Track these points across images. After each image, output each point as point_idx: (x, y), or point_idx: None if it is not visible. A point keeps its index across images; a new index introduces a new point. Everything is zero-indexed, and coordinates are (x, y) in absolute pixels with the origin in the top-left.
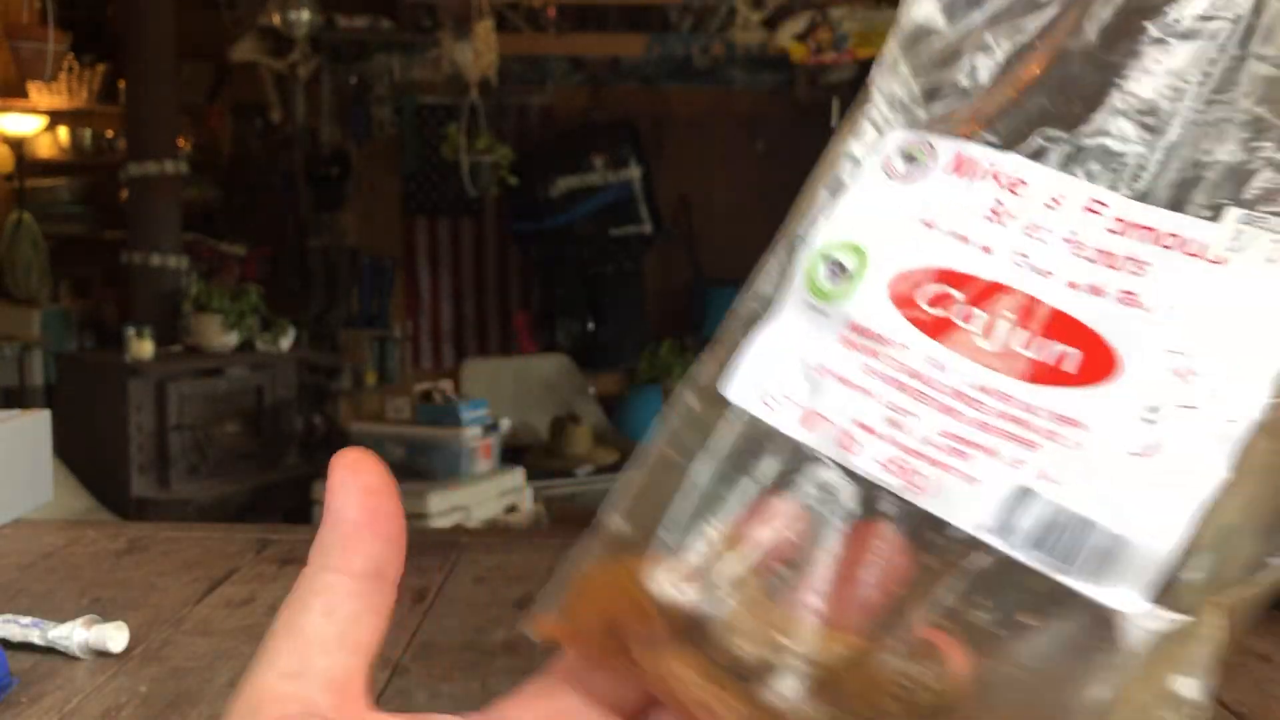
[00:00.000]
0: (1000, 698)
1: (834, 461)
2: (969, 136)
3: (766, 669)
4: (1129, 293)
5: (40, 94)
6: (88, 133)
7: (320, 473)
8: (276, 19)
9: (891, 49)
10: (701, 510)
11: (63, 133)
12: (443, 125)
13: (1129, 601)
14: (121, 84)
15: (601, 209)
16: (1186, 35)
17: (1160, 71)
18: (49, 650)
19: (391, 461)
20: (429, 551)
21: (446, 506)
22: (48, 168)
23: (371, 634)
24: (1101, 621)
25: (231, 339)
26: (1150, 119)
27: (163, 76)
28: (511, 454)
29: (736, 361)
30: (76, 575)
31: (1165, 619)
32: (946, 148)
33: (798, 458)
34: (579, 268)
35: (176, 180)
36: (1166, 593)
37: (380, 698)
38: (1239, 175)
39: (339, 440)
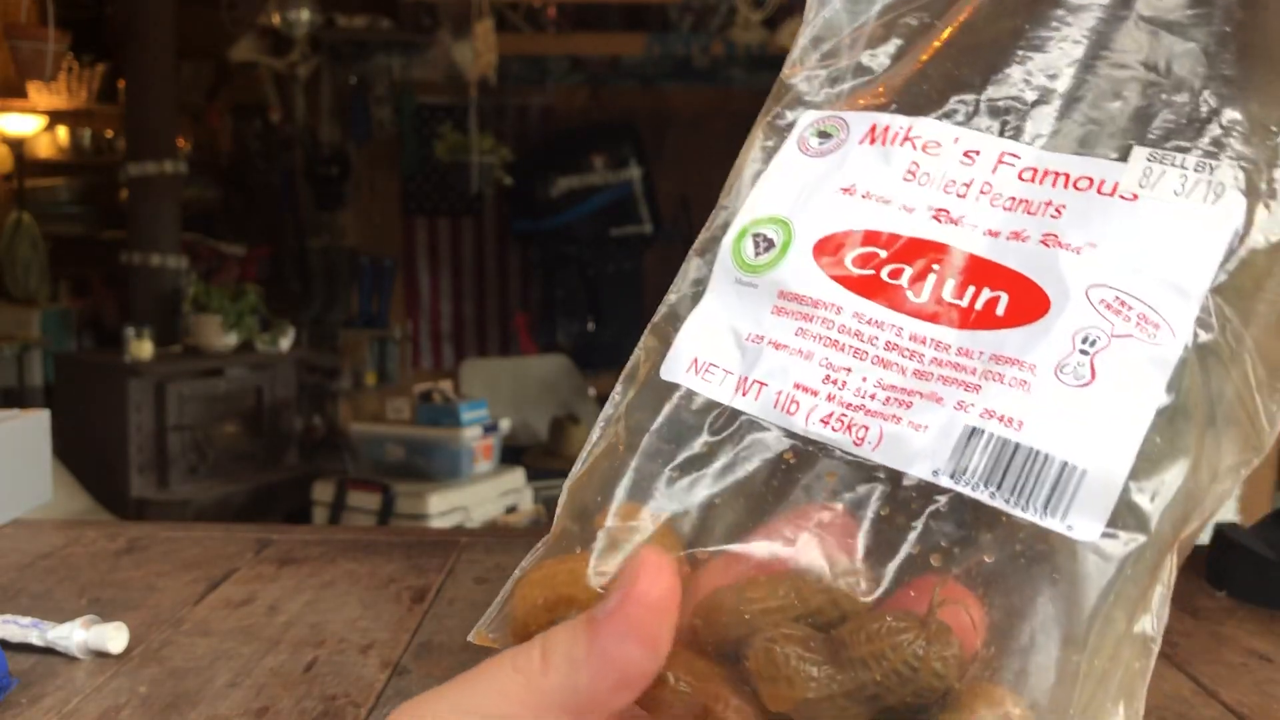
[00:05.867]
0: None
1: (776, 425)
2: (881, 108)
3: (745, 640)
4: (1050, 234)
5: (40, 94)
6: (87, 133)
7: (320, 473)
8: (276, 19)
9: (802, 43)
10: (644, 496)
11: (62, 133)
12: (442, 125)
13: (1087, 529)
14: (121, 84)
15: (601, 209)
16: (1078, 4)
17: (1056, 34)
18: (48, 651)
19: (391, 462)
20: (429, 551)
21: (446, 506)
22: (47, 168)
23: None
24: (1063, 557)
25: (231, 339)
26: (1050, 77)
27: (162, 76)
28: (511, 454)
29: (671, 345)
30: (76, 575)
31: (1122, 541)
32: (859, 120)
33: (739, 427)
34: (579, 268)
35: (176, 180)
36: (1119, 517)
37: (380, 698)
38: (1140, 119)
39: (339, 441)
